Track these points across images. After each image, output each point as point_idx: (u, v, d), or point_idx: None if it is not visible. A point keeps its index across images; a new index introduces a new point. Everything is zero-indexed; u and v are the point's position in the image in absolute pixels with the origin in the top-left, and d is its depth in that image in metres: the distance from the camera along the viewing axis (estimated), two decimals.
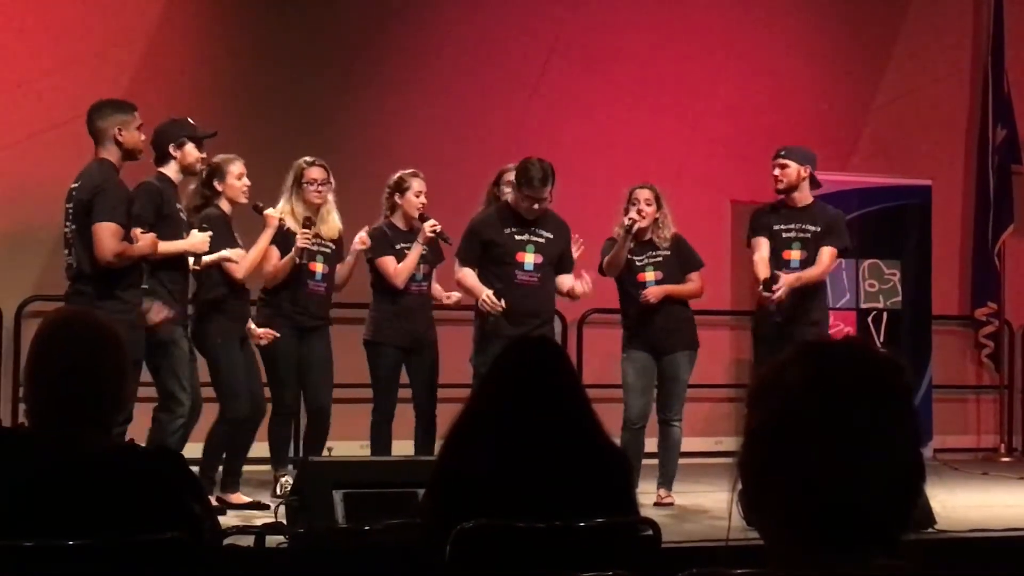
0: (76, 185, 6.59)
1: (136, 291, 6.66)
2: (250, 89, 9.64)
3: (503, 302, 7.42)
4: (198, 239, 6.93)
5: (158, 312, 6.81)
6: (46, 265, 9.17)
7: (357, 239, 7.81)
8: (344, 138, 9.61)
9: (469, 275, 7.56)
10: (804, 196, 7.91)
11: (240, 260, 7.36)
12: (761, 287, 7.68)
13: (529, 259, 7.52)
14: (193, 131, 7.15)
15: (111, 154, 6.58)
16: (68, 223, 6.62)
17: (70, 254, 6.62)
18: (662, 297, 7.70)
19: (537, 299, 7.53)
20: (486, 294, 7.39)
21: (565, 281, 7.71)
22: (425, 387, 7.85)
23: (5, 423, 8.34)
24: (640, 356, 7.76)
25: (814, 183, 8.01)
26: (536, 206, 7.49)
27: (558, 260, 7.65)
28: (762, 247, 7.86)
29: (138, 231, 6.63)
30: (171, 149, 7.02)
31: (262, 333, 7.54)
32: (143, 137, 6.73)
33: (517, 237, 7.52)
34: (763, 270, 7.73)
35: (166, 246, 6.84)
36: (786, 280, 7.58)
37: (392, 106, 10.03)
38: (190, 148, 7.11)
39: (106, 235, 6.42)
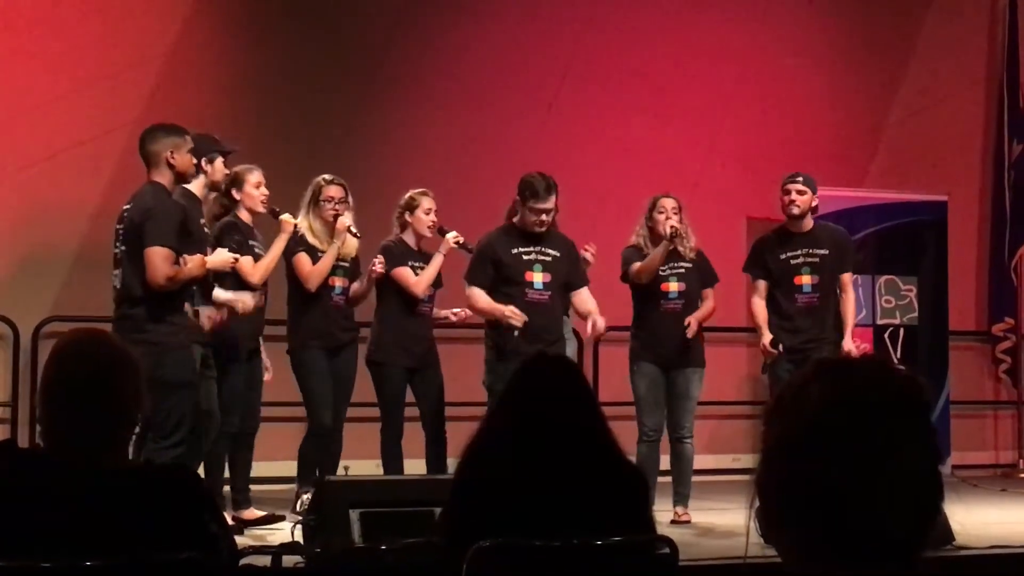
0: (128, 207, 6.53)
1: (184, 313, 6.58)
2: (266, 110, 9.66)
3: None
4: (220, 259, 6.87)
5: (208, 320, 6.83)
6: (64, 285, 9.21)
7: (377, 262, 7.78)
8: (359, 156, 9.62)
9: (482, 295, 7.47)
10: (808, 221, 8.11)
11: (252, 268, 7.34)
12: (765, 356, 7.97)
13: (538, 278, 7.44)
14: (221, 147, 7.16)
15: (163, 177, 6.52)
16: (118, 244, 6.57)
17: (118, 275, 6.56)
18: (697, 328, 7.84)
19: (549, 317, 7.47)
20: (509, 309, 7.31)
21: (587, 301, 7.61)
22: (433, 408, 7.86)
23: (23, 443, 8.36)
24: (650, 369, 7.85)
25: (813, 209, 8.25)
26: (544, 217, 7.43)
27: (566, 277, 7.57)
28: (760, 289, 8.09)
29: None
30: (203, 163, 6.94)
31: None
32: (194, 161, 6.70)
33: (525, 257, 7.45)
34: (762, 322, 7.97)
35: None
36: (850, 348, 8.00)
37: (409, 123, 10.05)
38: (219, 164, 7.11)
39: (158, 260, 6.35)
